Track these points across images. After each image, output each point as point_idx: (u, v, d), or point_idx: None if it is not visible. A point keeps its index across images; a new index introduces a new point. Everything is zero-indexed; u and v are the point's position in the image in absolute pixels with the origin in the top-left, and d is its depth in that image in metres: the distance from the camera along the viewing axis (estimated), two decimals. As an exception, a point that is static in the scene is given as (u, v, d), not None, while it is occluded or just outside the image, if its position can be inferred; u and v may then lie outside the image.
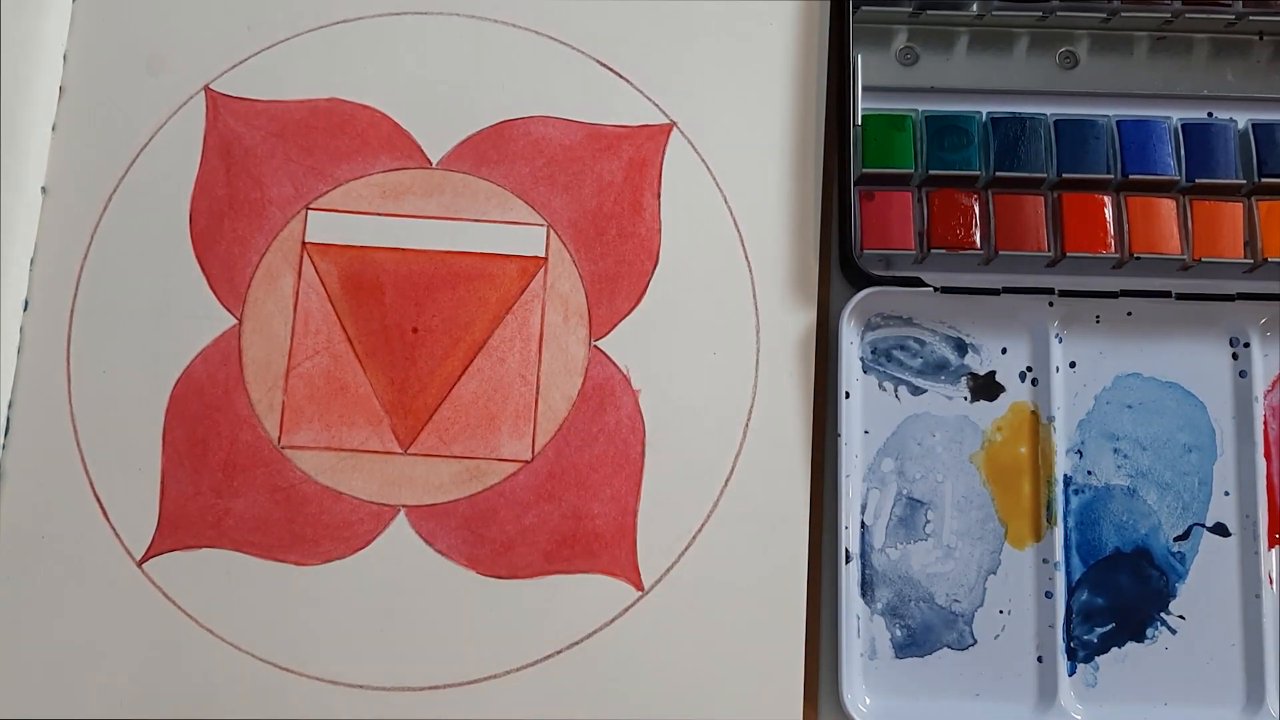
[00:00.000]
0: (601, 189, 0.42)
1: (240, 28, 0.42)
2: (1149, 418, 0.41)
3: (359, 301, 0.41)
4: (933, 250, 0.41)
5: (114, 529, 0.39)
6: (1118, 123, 0.42)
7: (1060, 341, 0.42)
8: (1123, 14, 0.43)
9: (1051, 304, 0.41)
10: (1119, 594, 0.40)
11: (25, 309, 0.40)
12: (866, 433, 0.41)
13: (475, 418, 0.40)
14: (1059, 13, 0.43)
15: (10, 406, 0.39)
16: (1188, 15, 0.43)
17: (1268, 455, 0.41)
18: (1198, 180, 0.42)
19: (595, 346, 0.41)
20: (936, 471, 0.41)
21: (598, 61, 0.43)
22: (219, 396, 0.40)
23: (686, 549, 0.39)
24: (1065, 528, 0.40)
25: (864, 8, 0.43)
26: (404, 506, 0.39)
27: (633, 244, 0.41)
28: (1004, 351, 0.42)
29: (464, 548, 0.39)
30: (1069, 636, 0.40)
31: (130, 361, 0.40)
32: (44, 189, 0.41)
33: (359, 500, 0.39)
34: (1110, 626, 0.40)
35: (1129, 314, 0.42)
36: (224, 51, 0.42)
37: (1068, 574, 0.40)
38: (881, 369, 0.41)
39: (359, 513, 0.39)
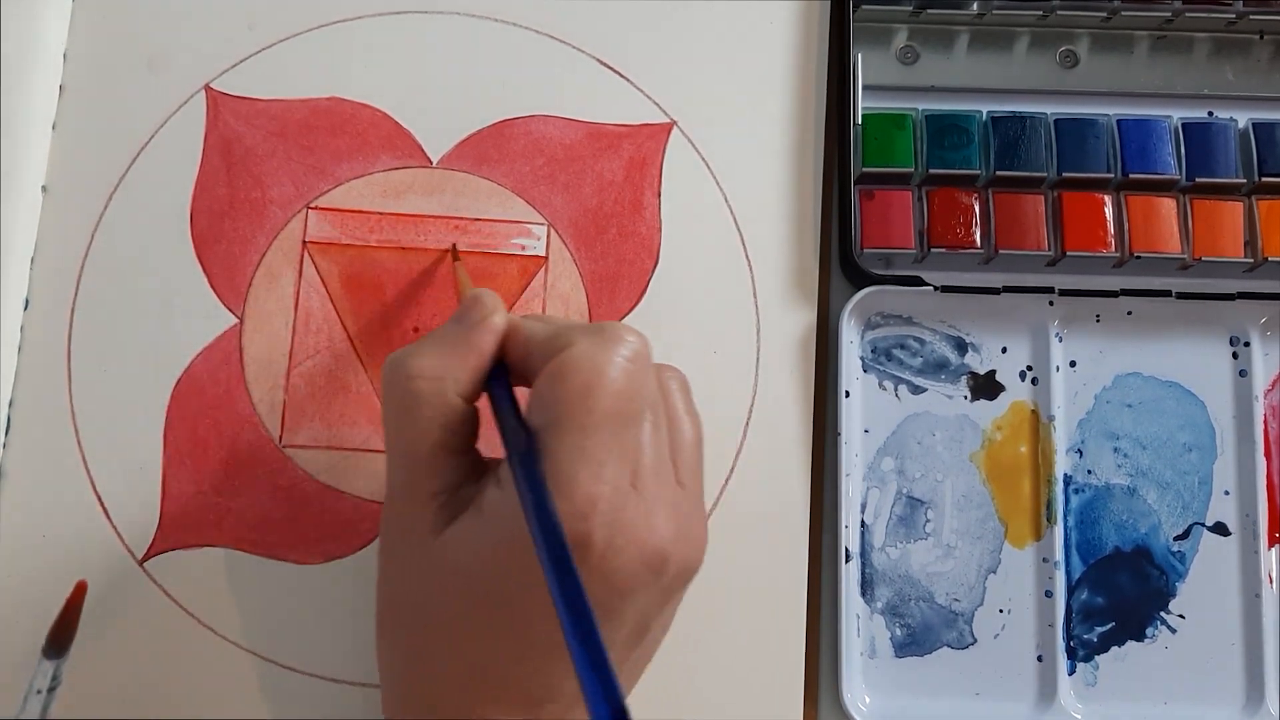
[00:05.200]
0: (602, 188, 0.42)
1: (241, 27, 0.42)
2: (1149, 417, 0.41)
3: (360, 300, 0.41)
4: (933, 249, 0.41)
5: (115, 528, 0.39)
6: (1118, 122, 0.42)
7: (1060, 340, 0.42)
8: (1123, 13, 0.43)
9: (1051, 303, 0.41)
10: (1119, 593, 0.40)
11: (26, 308, 0.40)
12: (866, 432, 0.41)
13: (476, 417, 0.40)
14: (1059, 12, 0.43)
15: (11, 405, 0.39)
16: (1188, 14, 0.43)
17: (1268, 454, 0.41)
18: (1198, 179, 0.42)
19: (596, 346, 0.40)
20: (936, 470, 0.41)
21: (598, 60, 0.43)
22: (220, 395, 0.40)
23: (687, 548, 0.39)
24: (1065, 527, 0.40)
25: (864, 7, 0.43)
26: (405, 505, 0.39)
27: (633, 243, 0.41)
28: (1004, 351, 0.42)
29: (465, 547, 0.39)
30: (1069, 635, 0.40)
31: (131, 360, 0.40)
32: (44, 188, 0.41)
33: (360, 499, 0.39)
34: (1110, 625, 0.40)
35: (1129, 313, 0.42)
36: (224, 50, 0.42)
37: (1068, 573, 0.40)
38: (881, 368, 0.41)
39: (360, 512, 0.39)
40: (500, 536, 0.29)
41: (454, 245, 0.40)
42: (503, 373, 0.32)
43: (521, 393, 0.32)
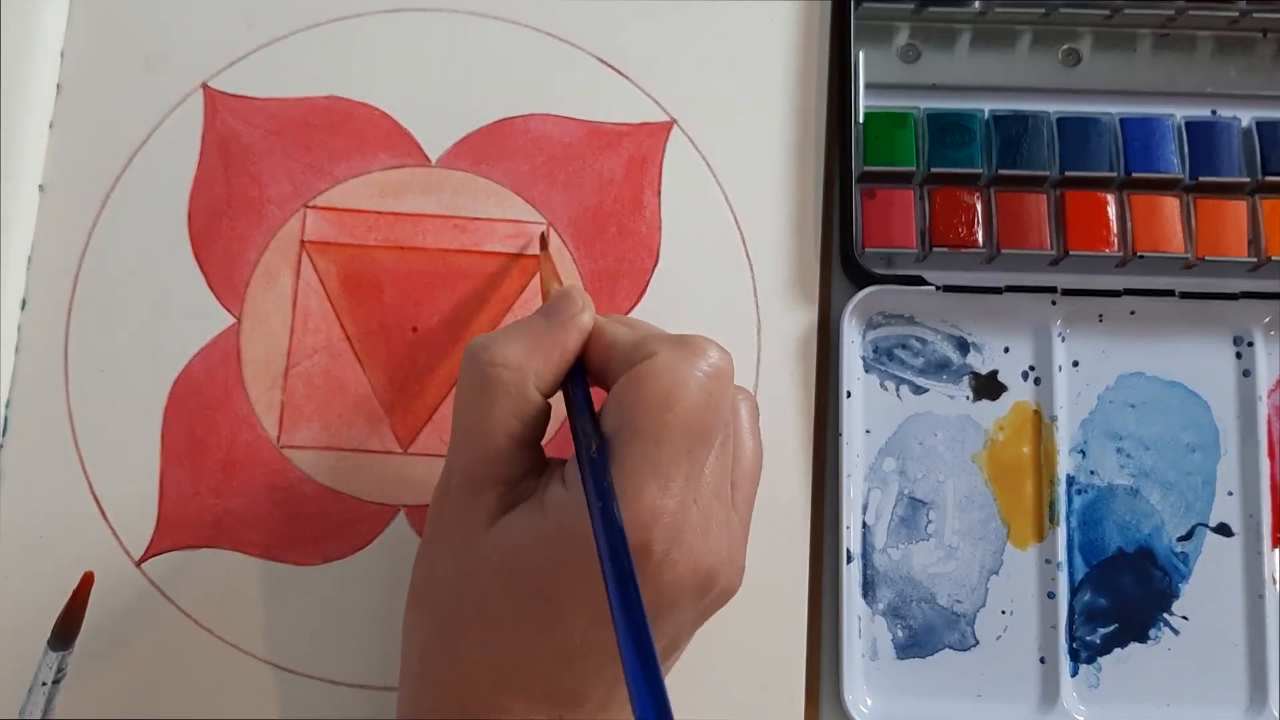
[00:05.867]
0: (602, 186, 0.42)
1: (239, 25, 0.42)
2: (1152, 417, 0.41)
3: (358, 300, 0.40)
4: (934, 248, 0.41)
5: (112, 529, 0.39)
6: (1121, 120, 0.42)
7: (1063, 340, 0.41)
8: (1125, 11, 0.42)
9: (1054, 302, 0.41)
10: (1122, 594, 0.40)
11: (23, 308, 0.40)
12: (868, 432, 0.41)
13: (475, 417, 0.40)
14: (1062, 10, 0.43)
15: (8, 406, 0.39)
16: (1191, 12, 0.42)
17: (1271, 455, 0.41)
18: (1201, 178, 0.41)
19: (595, 345, 0.40)
20: (938, 471, 0.41)
21: (597, 59, 0.42)
22: (218, 396, 0.40)
23: (687, 549, 0.39)
24: (1068, 528, 0.40)
25: (865, 4, 0.42)
26: (404, 506, 0.39)
27: (633, 242, 0.41)
28: (1006, 350, 0.41)
29: (464, 548, 0.39)
30: (1071, 637, 0.40)
31: (128, 360, 0.40)
32: (41, 187, 0.41)
33: (359, 500, 0.39)
34: (1113, 627, 0.40)
35: (1132, 313, 0.41)
36: (222, 49, 0.42)
37: (1070, 574, 0.40)
38: (883, 368, 0.41)
39: (359, 512, 0.39)
40: (559, 534, 0.29)
41: (543, 235, 0.40)
42: (581, 372, 0.32)
43: (597, 394, 0.32)
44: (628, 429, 0.29)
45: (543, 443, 0.33)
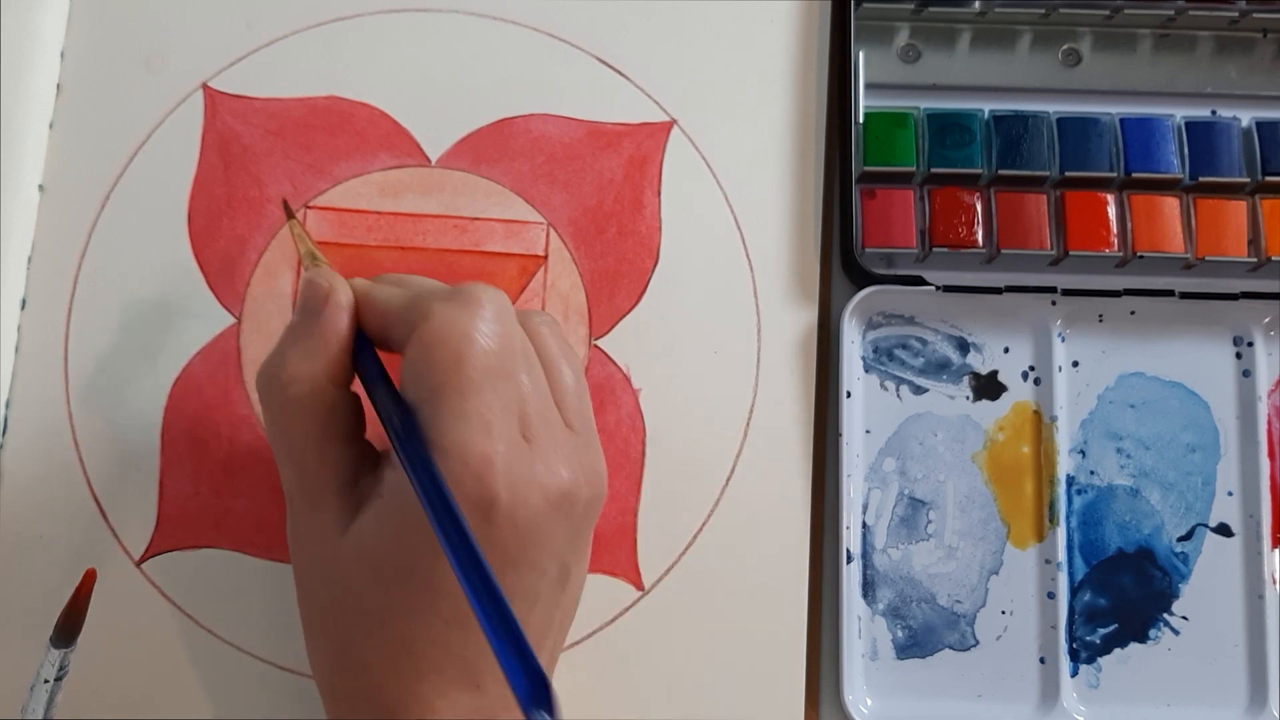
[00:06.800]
0: (602, 187, 0.42)
1: (238, 25, 0.42)
2: (1152, 417, 0.41)
3: (358, 300, 0.40)
4: (935, 249, 0.41)
5: (112, 529, 0.38)
6: (1121, 120, 0.42)
7: (1063, 340, 0.41)
8: (1126, 11, 0.42)
9: (1054, 303, 0.41)
10: (1122, 594, 0.40)
11: (23, 308, 0.40)
12: (868, 432, 0.41)
13: (475, 417, 0.40)
14: (1062, 10, 0.43)
15: (8, 406, 0.39)
16: (1191, 13, 0.42)
17: (1271, 455, 0.41)
18: (1201, 178, 0.41)
19: (595, 345, 0.40)
20: (938, 471, 0.41)
21: (597, 59, 0.42)
22: (218, 396, 0.40)
23: (687, 549, 0.39)
24: (1068, 528, 0.40)
25: (865, 4, 0.42)
26: (403, 506, 0.39)
27: (633, 242, 0.41)
28: (1006, 351, 0.41)
29: (464, 548, 0.39)
30: (1071, 637, 0.40)
31: (128, 360, 0.40)
32: (41, 187, 0.41)
33: (358, 500, 0.39)
34: (1113, 627, 0.40)
35: (1132, 313, 0.41)
36: (222, 49, 0.42)
37: (1070, 574, 0.40)
38: (883, 368, 0.41)
39: (358, 512, 0.39)
40: (403, 514, 0.30)
41: (285, 202, 0.39)
42: (366, 346, 0.33)
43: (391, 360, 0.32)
44: (432, 394, 0.30)
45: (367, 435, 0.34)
